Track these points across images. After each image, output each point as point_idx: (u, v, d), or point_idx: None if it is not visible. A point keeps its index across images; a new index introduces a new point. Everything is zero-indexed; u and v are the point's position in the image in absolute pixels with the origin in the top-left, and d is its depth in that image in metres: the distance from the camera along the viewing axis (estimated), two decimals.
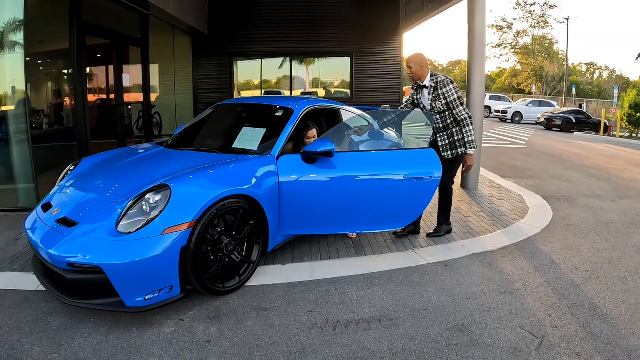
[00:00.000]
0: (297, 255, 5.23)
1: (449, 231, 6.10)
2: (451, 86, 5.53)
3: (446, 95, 5.52)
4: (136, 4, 9.47)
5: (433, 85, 5.62)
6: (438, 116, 5.68)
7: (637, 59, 28.94)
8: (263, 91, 15.08)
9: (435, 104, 5.62)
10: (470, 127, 5.56)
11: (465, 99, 5.63)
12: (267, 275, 4.66)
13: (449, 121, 5.64)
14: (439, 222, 6.12)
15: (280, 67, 15.08)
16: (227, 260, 4.21)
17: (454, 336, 3.65)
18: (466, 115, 5.55)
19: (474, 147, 5.60)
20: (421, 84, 5.73)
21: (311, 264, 5.00)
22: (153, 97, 11.54)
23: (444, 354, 3.41)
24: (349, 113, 6.29)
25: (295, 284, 4.52)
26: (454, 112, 5.54)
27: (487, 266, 5.12)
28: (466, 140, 5.57)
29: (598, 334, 3.74)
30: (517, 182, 10.03)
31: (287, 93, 14.93)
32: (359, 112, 6.49)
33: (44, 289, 4.09)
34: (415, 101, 5.97)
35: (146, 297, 3.63)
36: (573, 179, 10.94)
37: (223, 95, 13.22)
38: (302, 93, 15.21)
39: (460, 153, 5.72)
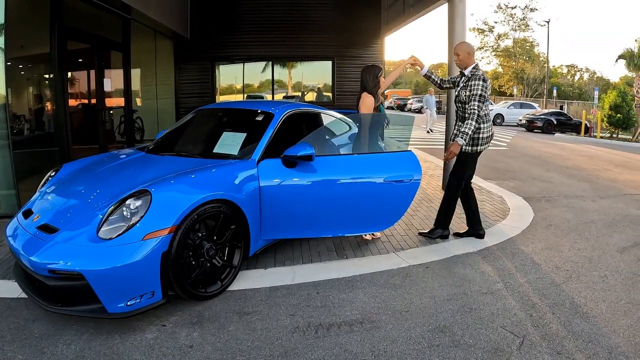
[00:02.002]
0: (279, 259, 5.23)
1: (444, 237, 6.08)
2: (480, 82, 5.53)
3: (472, 88, 5.54)
4: (117, 8, 9.44)
5: (469, 75, 5.67)
6: (460, 105, 5.75)
7: (616, 61, 29.12)
8: (245, 95, 15.06)
9: (462, 92, 5.69)
10: (472, 123, 5.49)
11: (490, 101, 5.72)
12: (249, 280, 4.66)
13: (467, 114, 5.64)
14: (436, 223, 6.12)
15: (262, 71, 15.08)
16: (208, 265, 4.20)
17: (435, 337, 3.67)
18: (475, 111, 5.49)
19: (464, 140, 5.52)
20: (463, 71, 5.82)
21: (293, 268, 5.01)
22: (135, 101, 11.48)
23: (426, 355, 3.43)
24: (329, 117, 6.31)
25: (277, 287, 4.52)
26: (467, 104, 5.57)
27: (468, 267, 5.16)
28: (462, 129, 5.53)
29: (579, 333, 3.78)
30: (498, 183, 10.11)
31: (269, 97, 14.92)
32: (339, 115, 6.51)
33: (26, 296, 4.06)
34: (455, 84, 6.09)
35: (128, 303, 3.62)
36: (554, 180, 11.04)
37: (205, 100, 13.19)
38: (284, 97, 15.21)
39: (466, 151, 5.74)
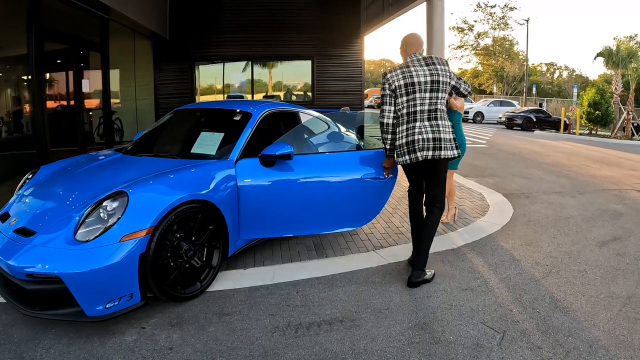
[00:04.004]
0: (259, 259, 5.21)
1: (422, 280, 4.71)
2: (383, 81, 4.79)
3: None
4: (95, 8, 9.37)
5: None
6: None
7: (595, 58, 29.42)
8: (226, 95, 15.03)
9: None
10: (381, 135, 4.84)
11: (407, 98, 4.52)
12: (229, 280, 4.64)
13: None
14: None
15: (242, 71, 15.06)
16: (187, 266, 4.17)
17: (415, 334, 3.68)
18: (379, 120, 4.83)
19: (387, 154, 4.89)
20: None
21: (272, 268, 4.99)
22: (114, 102, 11.41)
23: (406, 352, 3.43)
24: (308, 116, 6.31)
25: (256, 287, 4.50)
26: None
27: (448, 264, 5.18)
28: None
29: (559, 327, 3.80)
30: (478, 180, 10.16)
31: (249, 97, 14.91)
32: (318, 114, 6.52)
33: (4, 301, 4.00)
34: None
35: (106, 306, 3.58)
36: (533, 177, 11.12)
37: (185, 100, 13.14)
38: (264, 96, 15.20)
39: (398, 162, 4.83)
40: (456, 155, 4.58)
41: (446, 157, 4.52)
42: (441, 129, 4.51)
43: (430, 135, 4.49)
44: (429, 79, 4.52)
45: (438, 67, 4.57)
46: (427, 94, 4.53)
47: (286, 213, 5.02)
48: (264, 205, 4.88)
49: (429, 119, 4.53)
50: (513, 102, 39.29)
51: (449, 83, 4.62)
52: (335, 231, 5.50)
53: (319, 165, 5.13)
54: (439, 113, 4.55)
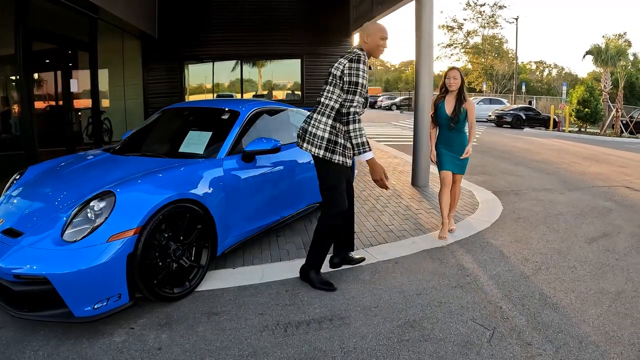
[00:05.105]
0: (248, 258, 5.19)
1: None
2: None
3: None
4: (84, 7, 9.33)
5: None
6: None
7: (584, 56, 29.62)
8: (215, 95, 15.01)
9: None
10: None
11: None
12: (218, 280, 4.62)
13: None
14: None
15: (232, 70, 15.05)
16: (175, 265, 4.15)
17: (405, 332, 3.68)
18: None
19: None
20: None
21: (261, 267, 4.97)
22: (102, 102, 11.36)
23: (396, 350, 3.43)
24: (296, 114, 6.34)
25: (245, 287, 4.48)
26: None
27: (437, 262, 5.18)
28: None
29: (549, 323, 3.81)
30: (467, 178, 10.11)
31: (239, 96, 14.90)
32: (307, 112, 6.55)
33: None
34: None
35: (95, 307, 3.56)
36: (523, 174, 11.16)
37: (174, 100, 13.07)
38: (254, 96, 15.19)
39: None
40: (320, 156, 4.31)
41: (307, 150, 4.40)
42: (312, 122, 4.39)
43: (304, 125, 4.49)
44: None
45: (340, 60, 4.38)
46: (323, 87, 4.47)
47: (272, 204, 5.46)
48: (251, 200, 5.01)
49: (314, 111, 4.46)
50: (502, 100, 39.46)
51: (338, 76, 4.29)
52: (303, 207, 6.17)
53: (291, 154, 5.71)
54: (320, 106, 4.40)
